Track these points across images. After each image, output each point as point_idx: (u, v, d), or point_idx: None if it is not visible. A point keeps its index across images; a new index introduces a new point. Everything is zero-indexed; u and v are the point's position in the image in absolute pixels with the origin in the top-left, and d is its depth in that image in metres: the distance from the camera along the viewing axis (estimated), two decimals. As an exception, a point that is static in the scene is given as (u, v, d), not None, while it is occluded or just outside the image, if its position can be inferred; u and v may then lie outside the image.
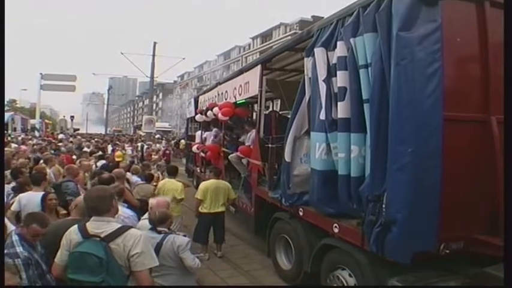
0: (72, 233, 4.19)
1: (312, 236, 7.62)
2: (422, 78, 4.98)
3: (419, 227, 5.11)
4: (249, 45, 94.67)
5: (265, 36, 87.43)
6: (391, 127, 5.11)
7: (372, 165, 5.48)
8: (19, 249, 4.52)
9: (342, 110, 6.11)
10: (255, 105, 15.18)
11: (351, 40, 5.94)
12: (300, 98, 7.60)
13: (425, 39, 5.01)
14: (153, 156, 20.79)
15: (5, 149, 17.46)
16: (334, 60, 6.42)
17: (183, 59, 44.86)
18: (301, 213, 7.71)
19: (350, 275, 6.40)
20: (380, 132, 5.30)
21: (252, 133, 11.26)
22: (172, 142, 36.00)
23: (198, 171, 18.03)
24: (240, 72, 12.25)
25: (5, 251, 4.41)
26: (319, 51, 6.77)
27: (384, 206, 5.25)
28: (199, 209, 9.93)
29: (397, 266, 5.43)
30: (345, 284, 6.48)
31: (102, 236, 4.03)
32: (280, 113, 12.80)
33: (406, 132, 5.01)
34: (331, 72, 6.49)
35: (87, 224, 4.17)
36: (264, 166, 9.53)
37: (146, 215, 6.36)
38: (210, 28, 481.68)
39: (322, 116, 6.52)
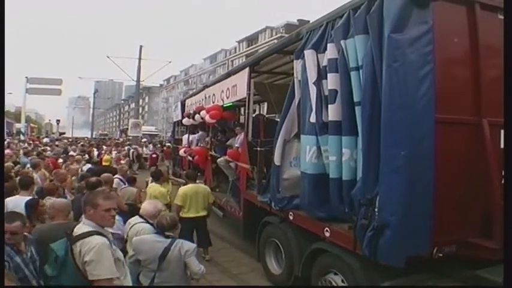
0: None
1: (302, 240, 7.53)
2: (414, 80, 4.92)
3: (412, 230, 5.04)
4: (235, 48, 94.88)
5: (251, 39, 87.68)
6: (383, 130, 5.04)
7: (364, 168, 5.41)
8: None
9: (332, 112, 6.03)
10: (242, 109, 15.24)
11: (342, 42, 5.88)
12: (289, 101, 7.51)
13: (417, 41, 4.96)
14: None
15: None
16: (324, 63, 6.35)
17: (169, 62, 44.96)
18: (291, 217, 7.63)
19: (342, 280, 6.33)
20: (372, 135, 5.24)
21: (241, 136, 11.17)
22: (166, 144, 35.56)
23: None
24: (228, 75, 12.17)
25: None
26: (309, 54, 6.70)
27: (376, 209, 5.19)
28: (180, 214, 9.70)
29: (389, 270, 5.38)
30: (336, 288, 6.41)
31: (73, 236, 4.09)
32: (267, 116, 12.74)
33: (398, 135, 4.95)
34: (321, 74, 6.42)
35: (78, 224, 4.29)
36: (252, 170, 9.45)
37: (135, 218, 6.39)
38: (196, 31, 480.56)
39: (313, 119, 6.44)
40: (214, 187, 13.11)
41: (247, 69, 10.17)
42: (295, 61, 7.33)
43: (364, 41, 5.48)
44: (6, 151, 19.93)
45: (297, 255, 7.57)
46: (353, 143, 5.76)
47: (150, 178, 11.15)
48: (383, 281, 5.61)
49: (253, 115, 11.23)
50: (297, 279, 7.61)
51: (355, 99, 5.61)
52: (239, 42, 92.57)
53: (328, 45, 6.23)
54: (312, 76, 6.57)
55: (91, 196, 4.50)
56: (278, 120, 10.28)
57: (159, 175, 11.02)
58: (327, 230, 6.48)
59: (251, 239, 9.68)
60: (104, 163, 16.59)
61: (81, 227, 4.19)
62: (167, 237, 5.51)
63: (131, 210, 8.15)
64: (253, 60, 10.67)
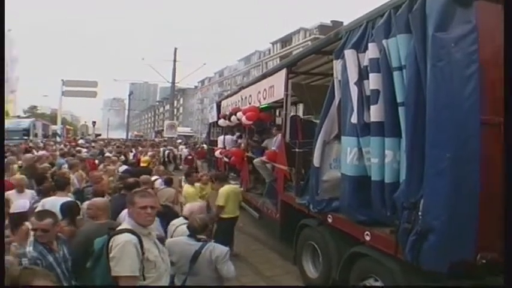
0: None
1: (341, 244, 7.40)
2: (460, 80, 4.79)
3: (457, 234, 4.88)
4: (269, 50, 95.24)
5: (285, 41, 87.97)
6: (428, 130, 4.90)
7: (408, 170, 5.26)
8: (29, 248, 4.63)
9: (375, 113, 5.89)
10: (278, 110, 15.15)
11: (383, 42, 5.75)
12: (329, 102, 7.39)
13: (462, 40, 4.82)
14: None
15: (28, 154, 17.67)
16: (365, 63, 6.22)
17: (204, 64, 45.58)
18: (330, 220, 7.51)
19: (381, 285, 6.18)
20: (416, 136, 5.09)
21: (278, 137, 11.09)
22: (200, 146, 35.58)
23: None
24: (265, 76, 12.11)
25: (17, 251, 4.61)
26: (349, 53, 6.58)
27: (420, 213, 5.04)
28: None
29: (430, 276, 5.24)
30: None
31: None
32: (302, 117, 12.62)
33: (444, 136, 4.80)
34: (362, 74, 6.29)
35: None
36: (290, 171, 9.33)
37: (180, 220, 6.52)
38: (230, 33, 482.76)
39: (354, 120, 6.31)
40: (250, 188, 13.10)
41: (284, 70, 10.07)
42: (334, 61, 7.22)
43: (407, 40, 5.35)
44: (43, 152, 20.30)
45: (335, 259, 7.45)
46: (396, 144, 5.61)
47: (183, 177, 11.16)
48: (424, 286, 5.48)
49: (291, 116, 11.14)
50: (334, 283, 7.48)
51: (399, 99, 5.45)
52: (273, 43, 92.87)
53: (369, 44, 6.11)
54: (352, 76, 6.44)
55: (131, 195, 4.60)
56: (315, 121, 10.22)
57: (190, 175, 11.16)
58: (367, 234, 6.33)
59: (287, 241, 9.59)
60: (142, 164, 16.64)
61: (123, 225, 4.38)
62: (199, 240, 5.47)
63: (166, 211, 8.15)
64: (291, 61, 10.58)
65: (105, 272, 4.09)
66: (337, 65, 7.10)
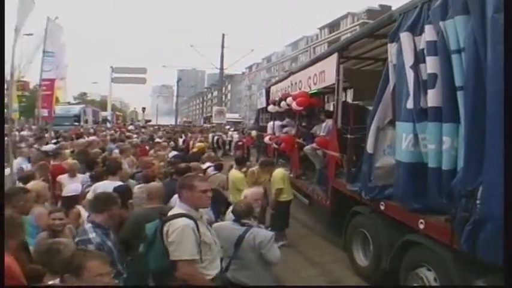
0: None
1: (393, 232, 7.22)
2: (521, 63, 4.53)
3: (517, 224, 4.68)
4: (317, 35, 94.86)
5: (333, 26, 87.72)
6: (488, 116, 4.67)
7: (466, 157, 5.05)
8: (92, 235, 4.63)
9: (432, 98, 5.68)
10: (327, 95, 14.96)
11: (441, 23, 5.54)
12: (383, 87, 7.19)
13: (523, 21, 4.57)
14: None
15: (80, 140, 18.08)
16: (421, 46, 6.00)
17: (252, 50, 45.22)
18: (382, 208, 7.34)
19: (434, 278, 6.01)
20: (475, 122, 4.87)
21: (327, 123, 10.95)
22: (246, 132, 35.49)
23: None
24: (315, 61, 11.95)
25: (77, 239, 4.61)
26: (404, 36, 6.37)
27: (478, 201, 4.83)
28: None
29: (484, 266, 5.06)
30: (427, 284, 6.10)
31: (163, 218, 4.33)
32: (352, 103, 12.40)
33: (504, 122, 4.57)
34: (419, 58, 6.07)
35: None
36: (342, 158, 9.20)
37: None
38: (278, 19, 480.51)
39: (410, 105, 6.10)
40: (300, 175, 12.98)
41: (335, 55, 9.88)
42: (389, 44, 7.01)
43: (465, 21, 5.13)
44: (93, 138, 20.72)
45: (386, 247, 7.30)
46: (454, 130, 5.40)
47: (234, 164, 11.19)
48: (477, 277, 5.30)
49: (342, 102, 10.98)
50: (384, 272, 7.36)
51: (457, 83, 5.24)
52: (321, 29, 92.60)
53: (426, 27, 5.90)
54: (408, 60, 6.23)
55: (187, 179, 4.64)
56: (367, 107, 10.04)
57: (242, 161, 11.23)
58: (421, 222, 6.14)
59: (337, 228, 9.53)
60: (195, 149, 16.82)
61: (175, 209, 4.41)
62: (243, 224, 5.47)
63: (217, 196, 8.18)
64: (342, 45, 10.37)
65: (159, 257, 4.19)
66: (391, 48, 6.89)
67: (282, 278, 8.04)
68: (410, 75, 6.16)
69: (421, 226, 6.16)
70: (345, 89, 14.93)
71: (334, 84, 9.88)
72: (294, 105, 12.36)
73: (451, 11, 5.38)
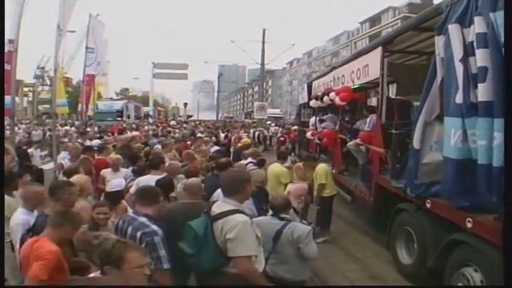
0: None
1: (439, 230, 7.03)
2: None
3: None
4: (358, 30, 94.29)
5: (374, 20, 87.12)
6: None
7: (518, 154, 4.85)
8: (154, 227, 4.56)
9: (483, 92, 5.45)
10: (369, 90, 14.74)
11: (491, 15, 5.32)
12: (430, 81, 6.97)
13: None
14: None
15: (122, 135, 18.42)
16: (471, 38, 5.78)
17: (293, 45, 44.85)
18: (428, 205, 7.15)
19: (481, 280, 5.81)
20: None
21: (371, 119, 10.79)
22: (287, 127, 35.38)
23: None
24: (358, 55, 11.76)
25: (140, 232, 4.49)
26: (453, 28, 6.15)
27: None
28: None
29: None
30: (472, 284, 5.91)
31: (212, 215, 4.24)
32: (396, 97, 12.16)
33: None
34: (468, 50, 5.85)
35: (216, 203, 4.48)
36: (386, 153, 9.04)
37: None
38: (318, 13, 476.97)
39: (459, 100, 5.89)
40: (343, 170, 12.87)
41: (380, 48, 9.70)
42: (436, 37, 6.79)
43: (516, 12, 4.91)
44: (136, 133, 21.08)
45: (432, 246, 7.12)
46: (506, 125, 5.19)
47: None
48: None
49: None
50: (428, 271, 7.19)
51: (509, 77, 5.03)
52: (362, 23, 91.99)
53: (475, 18, 5.68)
54: (457, 53, 6.02)
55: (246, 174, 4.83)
56: (411, 101, 9.84)
57: (284, 155, 11.32)
58: (469, 221, 5.96)
59: (380, 225, 9.42)
60: (240, 145, 16.88)
61: (221, 205, 4.32)
62: (282, 219, 5.46)
63: (259, 191, 8.14)
64: (387, 39, 10.17)
65: (213, 255, 4.11)
66: (439, 41, 6.67)
67: (322, 272, 8.14)
68: (459, 68, 5.94)
69: (469, 225, 5.98)
70: (388, 84, 14.75)
71: (377, 78, 9.68)
72: (337, 100, 12.24)
73: (501, 1, 5.16)
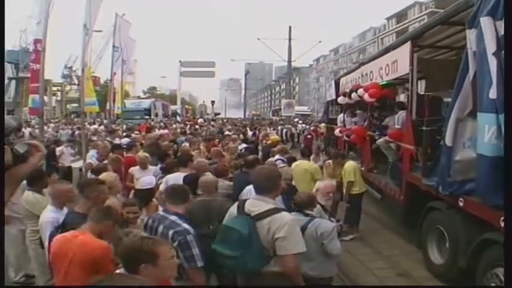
0: (232, 208, 4.49)
1: (472, 229, 6.86)
2: None
3: None
4: (384, 26, 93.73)
5: (400, 16, 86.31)
6: None
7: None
8: (186, 225, 4.57)
9: (518, 86, 5.27)
10: (396, 87, 14.53)
11: (524, 7, 5.13)
12: (462, 76, 6.77)
13: None
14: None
15: (149, 134, 18.63)
16: (504, 31, 5.59)
17: (319, 42, 44.71)
18: (461, 204, 6.97)
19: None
20: None
21: (400, 115, 10.61)
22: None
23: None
24: (387, 50, 11.58)
25: (172, 231, 4.49)
26: (485, 21, 5.96)
27: None
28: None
29: None
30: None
31: (252, 214, 4.13)
32: (427, 93, 11.94)
33: None
34: (501, 44, 5.64)
35: (247, 201, 4.39)
36: (417, 151, 8.86)
37: None
38: (344, 9, 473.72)
39: (493, 95, 5.70)
40: (372, 168, 12.71)
41: (409, 43, 9.51)
42: (467, 30, 6.58)
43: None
44: (164, 131, 21.24)
45: (464, 245, 6.95)
46: (543, 121, 4.99)
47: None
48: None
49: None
50: (460, 271, 7.02)
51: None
52: (388, 19, 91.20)
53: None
54: (490, 46, 5.82)
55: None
56: (442, 97, 9.63)
57: (308, 153, 11.50)
58: (503, 220, 5.70)
59: (410, 223, 9.25)
60: (269, 142, 16.92)
61: (257, 204, 4.25)
62: (306, 215, 5.46)
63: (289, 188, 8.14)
64: (416, 33, 10.01)
65: (259, 255, 4.05)
66: (470, 34, 6.47)
67: (351, 270, 8.19)
68: (492, 62, 5.74)
69: (503, 224, 5.74)
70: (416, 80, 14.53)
71: (406, 74, 9.56)
72: (366, 96, 12.10)
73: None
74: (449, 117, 7.02)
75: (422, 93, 11.48)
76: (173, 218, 4.68)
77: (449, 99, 7.92)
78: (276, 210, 4.16)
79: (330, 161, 11.09)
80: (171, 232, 4.49)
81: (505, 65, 3.99)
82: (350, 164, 10.40)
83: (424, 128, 8.54)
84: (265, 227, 4.03)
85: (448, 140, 7.01)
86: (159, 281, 3.17)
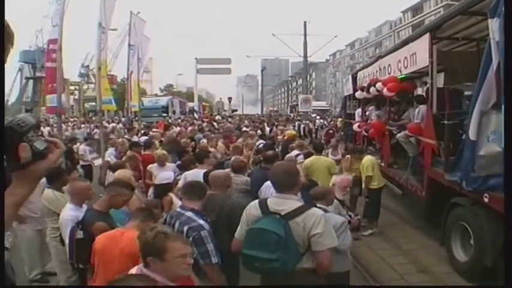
0: (253, 209, 4.34)
1: (497, 226, 6.57)
2: None
3: None
4: (400, 19, 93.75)
5: (416, 9, 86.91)
6: None
7: None
8: (201, 221, 4.66)
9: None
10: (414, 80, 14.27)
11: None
12: (485, 67, 6.49)
13: None
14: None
15: (165, 131, 18.73)
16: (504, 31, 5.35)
17: (335, 37, 44.57)
18: (486, 200, 6.75)
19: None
20: None
21: (420, 109, 10.36)
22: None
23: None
24: (405, 43, 11.31)
25: (187, 226, 4.60)
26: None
27: None
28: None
29: None
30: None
31: (282, 213, 4.06)
32: (447, 86, 11.67)
33: None
34: (526, 33, 5.42)
35: (268, 200, 4.30)
36: (439, 145, 8.62)
37: None
38: (359, 3, 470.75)
39: (518, 86, 5.47)
40: (392, 163, 12.51)
41: (427, 35, 9.26)
42: (490, 20, 6.31)
43: None
44: (181, 129, 21.30)
45: (490, 243, 6.74)
46: None
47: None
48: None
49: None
50: (485, 269, 6.85)
51: None
52: (403, 12, 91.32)
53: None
54: (514, 36, 5.58)
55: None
56: (462, 90, 9.42)
57: (321, 147, 11.42)
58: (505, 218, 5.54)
59: (433, 219, 9.07)
60: (286, 138, 16.95)
61: (283, 202, 4.18)
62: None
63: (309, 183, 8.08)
64: (434, 24, 9.71)
65: (296, 254, 4.01)
66: (492, 24, 6.20)
67: (371, 266, 8.26)
68: (517, 52, 5.50)
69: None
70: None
71: (426, 67, 9.35)
72: (385, 90, 11.85)
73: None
74: (472, 110, 6.78)
75: (441, 86, 11.26)
76: (189, 214, 4.76)
77: (469, 92, 7.70)
78: (306, 207, 4.18)
79: (348, 156, 11.06)
80: (185, 228, 4.58)
81: (505, 65, 3.76)
82: (368, 159, 10.37)
83: (445, 122, 8.31)
84: (301, 225, 3.99)
85: (471, 134, 6.77)
86: (172, 278, 3.24)
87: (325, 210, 5.31)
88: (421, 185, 9.72)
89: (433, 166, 9.10)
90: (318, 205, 5.37)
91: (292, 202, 4.14)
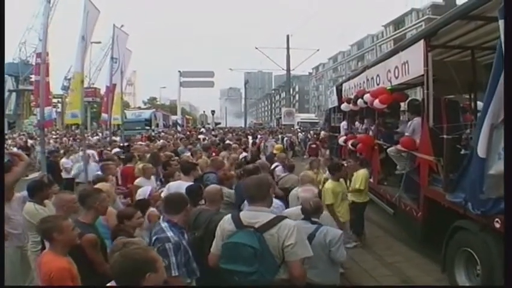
0: (226, 223, 4.36)
1: (508, 253, 5.86)
2: None
3: None
4: (382, 33, 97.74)
5: (398, 23, 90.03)
6: None
7: None
8: (169, 233, 4.72)
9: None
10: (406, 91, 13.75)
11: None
12: (495, 75, 5.67)
13: None
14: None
15: (150, 144, 18.58)
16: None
17: (317, 50, 45.77)
18: (497, 225, 5.98)
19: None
20: None
21: (413, 122, 9.82)
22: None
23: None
24: (395, 51, 10.70)
25: (155, 236, 4.74)
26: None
27: None
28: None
29: None
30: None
31: (256, 226, 4.10)
32: (445, 97, 11.06)
33: None
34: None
35: (241, 213, 4.38)
36: (438, 162, 7.89)
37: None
38: (341, 18, 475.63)
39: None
40: (381, 180, 11.88)
41: (421, 42, 8.68)
42: (500, 21, 5.58)
43: None
44: (164, 141, 21.31)
45: (500, 272, 5.86)
46: None
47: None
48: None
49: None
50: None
51: None
52: (385, 26, 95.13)
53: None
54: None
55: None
56: (459, 101, 8.89)
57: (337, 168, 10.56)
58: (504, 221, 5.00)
59: (430, 242, 8.61)
60: (275, 151, 17.23)
61: (255, 214, 4.23)
62: (313, 223, 5.56)
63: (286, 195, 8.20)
64: (429, 31, 9.05)
65: (272, 266, 4.03)
66: (503, 26, 5.48)
67: (356, 278, 8.31)
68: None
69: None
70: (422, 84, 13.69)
71: (419, 76, 8.80)
72: (376, 102, 11.22)
73: None
74: (481, 124, 5.98)
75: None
76: (164, 225, 4.87)
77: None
78: (280, 218, 4.18)
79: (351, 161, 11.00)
80: (154, 238, 4.75)
81: (505, 65, 3.10)
82: (363, 172, 10.26)
83: (444, 137, 7.66)
84: (275, 236, 4.03)
85: (480, 151, 5.97)
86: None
87: (320, 224, 5.54)
88: (417, 205, 9.02)
89: (430, 184, 8.42)
90: (313, 219, 5.58)
91: (265, 215, 4.18)
